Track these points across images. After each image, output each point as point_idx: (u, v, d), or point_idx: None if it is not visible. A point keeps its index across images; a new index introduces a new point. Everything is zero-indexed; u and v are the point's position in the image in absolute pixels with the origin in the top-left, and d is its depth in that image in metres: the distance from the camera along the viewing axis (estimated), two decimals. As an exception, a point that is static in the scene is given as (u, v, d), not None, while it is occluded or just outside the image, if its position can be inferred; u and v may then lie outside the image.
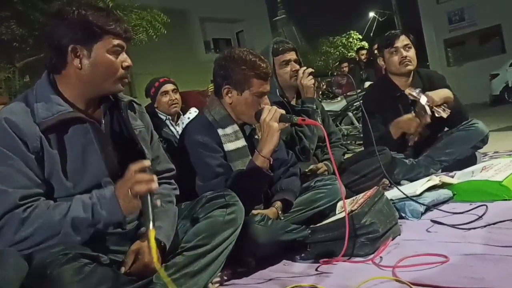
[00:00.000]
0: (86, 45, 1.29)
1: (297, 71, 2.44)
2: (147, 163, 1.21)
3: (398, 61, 2.77)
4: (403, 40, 2.77)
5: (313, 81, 2.40)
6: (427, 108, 2.58)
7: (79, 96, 1.34)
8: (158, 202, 1.22)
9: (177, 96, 3.21)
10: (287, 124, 1.78)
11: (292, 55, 2.46)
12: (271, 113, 1.74)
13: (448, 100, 2.65)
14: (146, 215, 1.15)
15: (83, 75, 1.31)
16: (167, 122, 3.21)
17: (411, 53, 2.78)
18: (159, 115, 3.19)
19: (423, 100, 2.58)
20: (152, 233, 1.10)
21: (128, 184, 1.18)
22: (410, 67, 2.78)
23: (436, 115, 2.59)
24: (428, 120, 2.59)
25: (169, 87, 3.18)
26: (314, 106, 2.39)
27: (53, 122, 1.27)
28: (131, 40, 1.39)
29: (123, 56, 1.35)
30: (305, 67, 2.44)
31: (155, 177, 1.19)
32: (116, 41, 1.32)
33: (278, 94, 2.41)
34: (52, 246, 1.16)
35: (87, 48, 1.29)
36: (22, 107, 1.28)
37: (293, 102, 2.51)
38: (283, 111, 1.78)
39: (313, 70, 2.43)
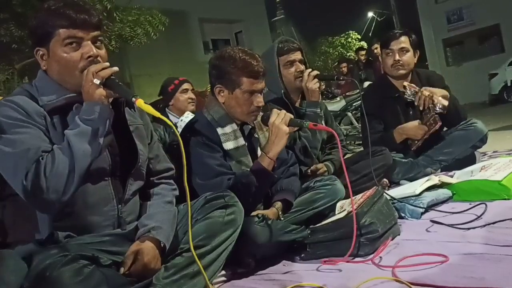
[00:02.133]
0: (43, 45, 1.30)
1: (302, 71, 2.40)
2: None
3: (390, 63, 2.77)
4: (400, 43, 2.75)
5: (318, 84, 2.36)
6: (437, 118, 2.59)
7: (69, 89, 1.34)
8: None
9: (193, 96, 3.32)
10: (296, 128, 1.76)
11: (297, 55, 2.43)
12: (280, 117, 1.74)
13: (445, 96, 2.65)
14: (124, 91, 1.23)
15: (53, 74, 1.32)
16: (178, 124, 3.22)
17: (406, 57, 2.76)
18: (171, 116, 3.20)
19: (438, 107, 2.59)
20: (140, 101, 1.18)
21: (90, 78, 1.21)
22: (401, 72, 2.76)
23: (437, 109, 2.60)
24: (437, 127, 2.60)
25: (188, 86, 3.30)
26: (318, 110, 2.37)
27: (58, 104, 1.29)
28: (98, 26, 1.31)
29: (86, 47, 1.29)
30: (310, 69, 2.40)
31: (107, 63, 1.26)
32: (68, 33, 1.27)
33: (283, 94, 2.38)
34: (51, 248, 1.16)
35: (46, 48, 1.30)
36: (24, 95, 1.29)
37: (297, 104, 2.47)
38: (291, 116, 1.78)
39: (318, 73, 2.38)
